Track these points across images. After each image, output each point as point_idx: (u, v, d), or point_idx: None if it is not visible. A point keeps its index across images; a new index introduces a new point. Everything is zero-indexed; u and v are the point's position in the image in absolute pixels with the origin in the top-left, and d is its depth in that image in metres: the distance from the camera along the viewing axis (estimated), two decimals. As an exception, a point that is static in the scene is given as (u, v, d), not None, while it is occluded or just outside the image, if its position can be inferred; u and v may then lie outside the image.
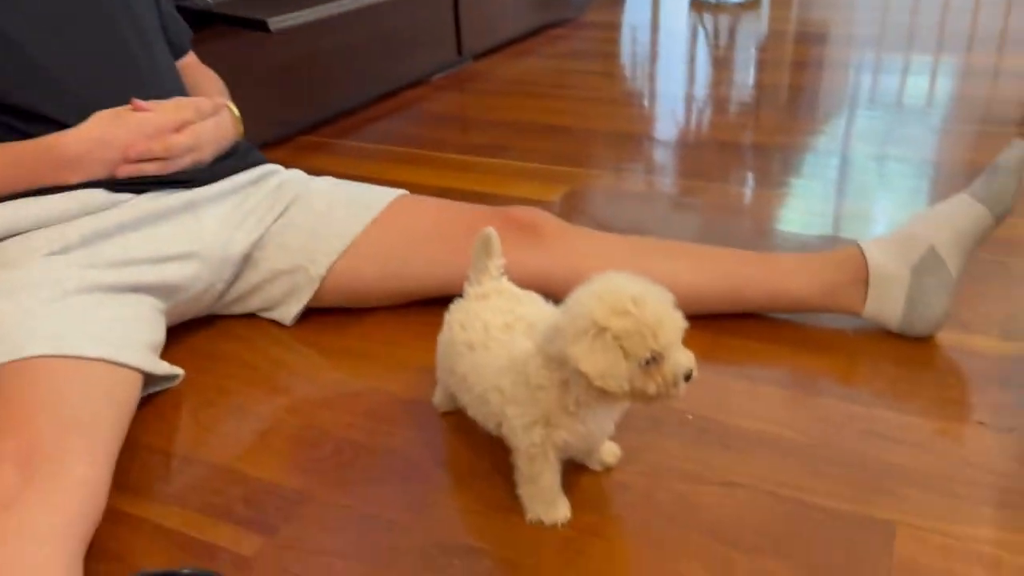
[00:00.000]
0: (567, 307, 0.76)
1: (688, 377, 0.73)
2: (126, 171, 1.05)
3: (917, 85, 2.27)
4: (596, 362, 0.72)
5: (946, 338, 1.11)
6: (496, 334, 0.85)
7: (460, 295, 0.93)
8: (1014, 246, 1.34)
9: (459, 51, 2.55)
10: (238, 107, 1.22)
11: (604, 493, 0.88)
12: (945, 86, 2.25)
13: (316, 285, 1.17)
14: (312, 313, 1.22)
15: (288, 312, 1.20)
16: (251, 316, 1.24)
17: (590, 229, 1.22)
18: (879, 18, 3.06)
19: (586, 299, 0.74)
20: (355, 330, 1.20)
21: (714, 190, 1.65)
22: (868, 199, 1.57)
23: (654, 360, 0.72)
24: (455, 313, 0.91)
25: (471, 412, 0.88)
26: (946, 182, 1.63)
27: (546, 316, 0.85)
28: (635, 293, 0.72)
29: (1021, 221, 1.42)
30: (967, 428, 0.95)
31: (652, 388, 0.73)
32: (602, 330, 0.72)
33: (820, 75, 2.41)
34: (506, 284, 0.93)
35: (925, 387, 1.02)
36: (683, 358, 0.73)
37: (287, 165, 1.30)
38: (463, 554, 0.81)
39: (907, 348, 1.10)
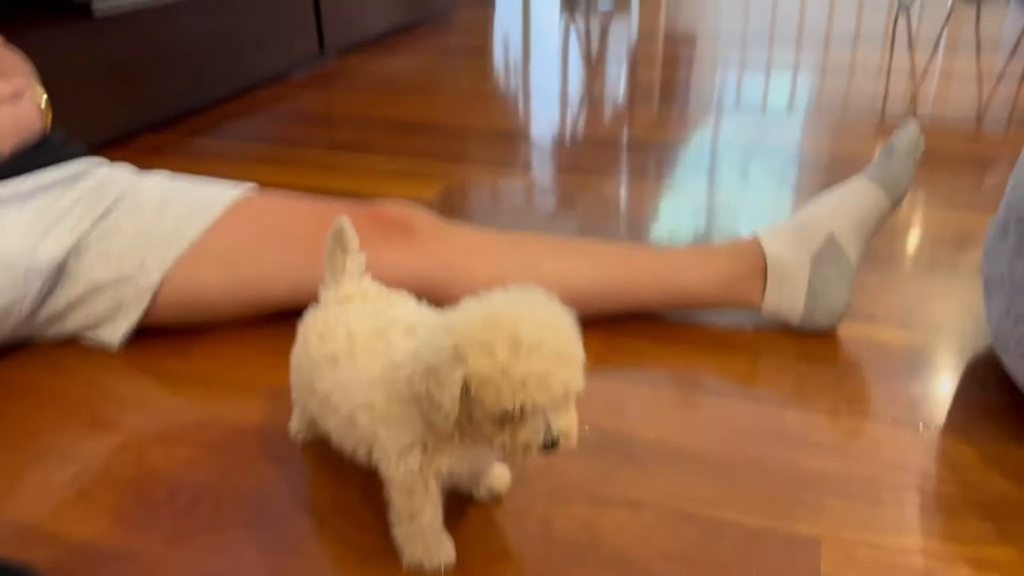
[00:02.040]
0: (447, 315, 0.63)
1: (553, 446, 0.61)
2: None
3: (780, 81, 2.28)
4: (431, 387, 0.60)
5: (848, 330, 1.05)
6: (363, 342, 0.71)
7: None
8: (903, 233, 1.31)
9: (321, 47, 2.38)
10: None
11: (495, 526, 0.75)
12: (806, 80, 2.27)
13: (148, 298, 1.00)
14: (146, 333, 1.04)
15: (115, 331, 1.02)
16: (70, 341, 1.05)
17: (467, 226, 1.09)
18: (742, 18, 3.09)
19: (468, 314, 0.61)
20: (197, 350, 1.03)
21: (592, 186, 1.56)
22: (742, 192, 1.53)
23: (510, 419, 0.60)
24: (311, 322, 0.77)
25: (336, 439, 0.74)
26: (812, 171, 1.61)
27: (427, 319, 0.72)
28: (521, 335, 0.58)
29: (905, 207, 1.40)
30: (881, 427, 0.88)
31: (497, 444, 0.61)
32: (458, 360, 0.59)
33: (690, 72, 2.39)
34: (370, 284, 0.79)
35: (833, 384, 0.95)
36: (549, 425, 0.60)
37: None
38: (327, 615, 0.66)
39: (809, 343, 1.03)
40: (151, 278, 0.99)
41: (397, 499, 0.68)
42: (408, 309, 0.76)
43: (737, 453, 0.84)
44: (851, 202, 1.03)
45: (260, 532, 0.75)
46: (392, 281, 0.81)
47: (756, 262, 1.03)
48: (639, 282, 1.05)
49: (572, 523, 0.75)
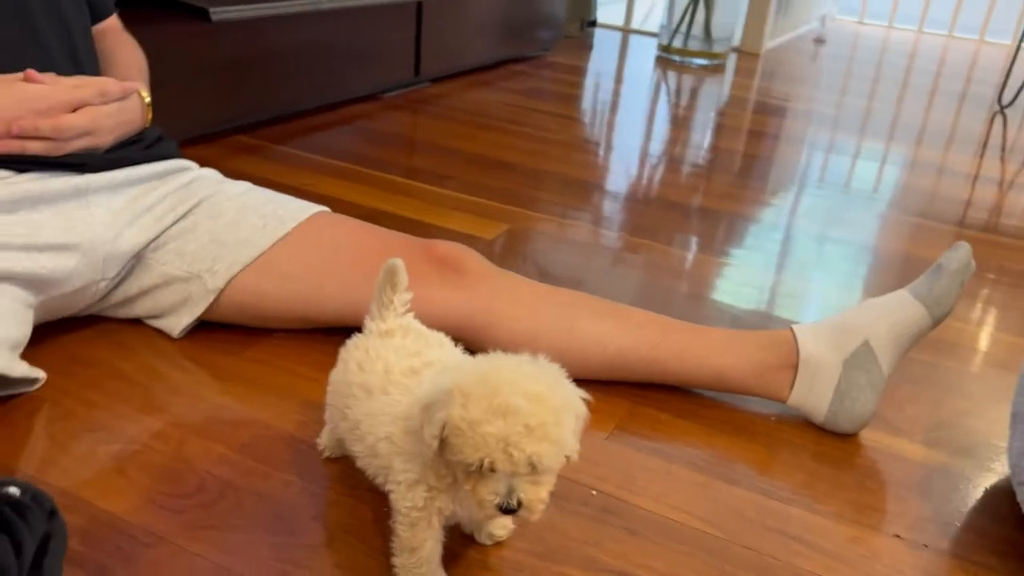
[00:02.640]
0: (465, 360, 0.69)
1: (511, 511, 0.65)
2: (6, 147, 0.94)
3: (866, 170, 2.28)
4: (423, 421, 0.67)
5: (870, 437, 1.06)
6: (398, 378, 0.77)
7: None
8: (947, 349, 1.31)
9: (416, 71, 2.48)
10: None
11: (490, 571, 0.79)
12: (892, 175, 2.26)
13: (211, 298, 1.07)
14: (204, 327, 1.12)
15: (177, 323, 1.09)
16: (136, 322, 1.13)
17: (517, 275, 1.14)
18: (836, 99, 3.08)
19: (476, 365, 0.68)
20: (249, 352, 1.10)
21: (655, 249, 1.59)
22: (805, 278, 1.54)
23: (477, 472, 0.65)
24: (353, 351, 0.83)
25: (360, 463, 0.79)
26: (882, 270, 1.61)
27: (454, 361, 0.77)
28: (500, 398, 0.63)
29: (956, 323, 1.39)
30: (882, 540, 0.89)
31: (466, 493, 0.67)
32: (444, 404, 0.65)
33: (775, 147, 2.40)
34: (412, 322, 0.85)
35: (844, 488, 0.96)
36: (512, 490, 0.64)
37: (213, 165, 1.20)
38: (319, 627, 0.71)
39: (829, 443, 1.04)
40: (217, 281, 1.06)
41: (401, 530, 0.73)
42: (445, 352, 0.81)
43: (735, 541, 0.86)
44: (892, 313, 1.04)
45: (274, 538, 0.80)
46: (437, 315, 0.86)
47: (789, 356, 1.05)
48: (671, 357, 1.07)
49: (562, 582, 0.79)
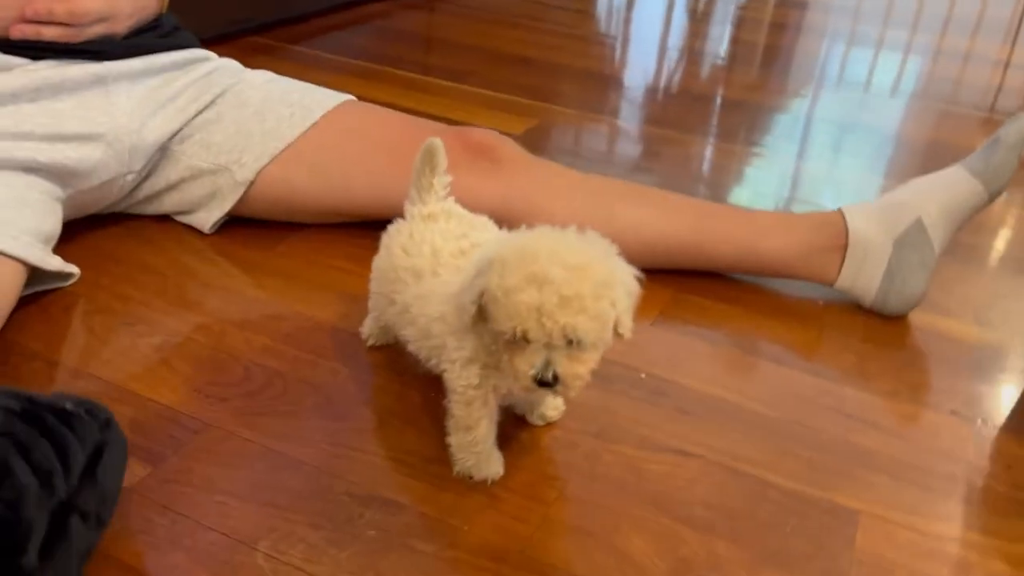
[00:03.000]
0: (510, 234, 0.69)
1: (548, 385, 0.63)
2: (20, 31, 0.90)
3: (890, 60, 2.20)
4: (463, 288, 0.66)
5: (919, 319, 1.04)
6: (447, 259, 0.74)
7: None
8: (997, 228, 1.27)
9: (429, -32, 2.38)
10: None
11: (543, 451, 0.78)
12: (917, 64, 2.18)
13: (241, 191, 1.04)
14: (234, 223, 1.09)
15: (208, 218, 1.06)
16: (166, 219, 1.10)
17: (553, 163, 1.10)
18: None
19: (517, 238, 0.66)
20: (281, 246, 1.08)
21: (683, 141, 1.55)
22: (836, 165, 1.50)
23: (513, 343, 0.63)
24: (396, 236, 0.80)
25: (412, 347, 0.77)
26: (907, 157, 1.57)
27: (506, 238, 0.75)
28: (537, 267, 0.61)
29: (1009, 201, 1.36)
30: (940, 417, 0.87)
31: (504, 365, 0.65)
32: (484, 272, 0.64)
33: (797, 38, 2.32)
34: (454, 206, 0.82)
35: (896, 368, 0.95)
36: (549, 363, 0.62)
37: (224, 57, 1.15)
38: (377, 506, 0.70)
39: (878, 325, 1.02)
40: (246, 173, 1.03)
41: (456, 409, 0.72)
42: (491, 234, 0.78)
43: (790, 420, 0.85)
44: (945, 189, 1.01)
45: (324, 423, 0.79)
46: (471, 204, 0.83)
47: (837, 237, 1.02)
48: (714, 241, 1.05)
49: (617, 460, 0.78)
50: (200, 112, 1.04)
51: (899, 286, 1.00)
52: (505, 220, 1.00)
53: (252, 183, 1.03)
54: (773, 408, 0.86)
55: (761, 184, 1.40)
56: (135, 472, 0.72)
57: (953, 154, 1.54)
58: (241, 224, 1.09)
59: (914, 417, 0.87)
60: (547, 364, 0.63)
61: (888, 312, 1.02)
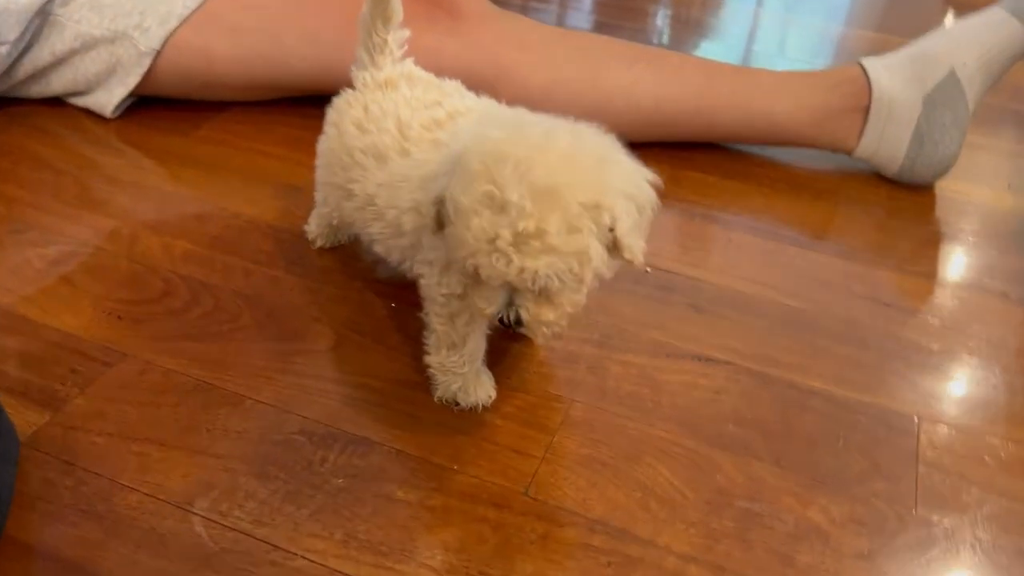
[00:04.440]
0: (491, 113, 0.56)
1: (510, 326, 0.50)
2: None
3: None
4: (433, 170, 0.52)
5: (947, 187, 0.91)
6: (419, 134, 0.58)
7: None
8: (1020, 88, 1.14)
9: None
10: None
11: (541, 367, 0.65)
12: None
13: (147, 63, 0.85)
14: (143, 104, 0.91)
15: (109, 99, 0.88)
16: (59, 103, 0.91)
17: (524, 17, 0.93)
18: None
19: (494, 130, 0.49)
20: (201, 130, 0.90)
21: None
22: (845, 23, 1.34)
23: (473, 274, 0.49)
24: (346, 110, 0.64)
25: (380, 248, 0.62)
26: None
27: (491, 109, 0.59)
28: (506, 191, 0.45)
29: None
30: (988, 299, 0.76)
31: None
32: (447, 171, 0.49)
33: None
34: (415, 69, 0.66)
35: (930, 245, 0.83)
36: (513, 303, 0.49)
37: None
38: (341, 447, 0.57)
39: (904, 196, 0.89)
40: (151, 41, 0.84)
41: (437, 323, 0.57)
42: (469, 101, 0.62)
43: (823, 313, 0.72)
44: (981, 35, 0.86)
45: (267, 346, 0.64)
46: (429, 70, 0.67)
47: (858, 96, 0.88)
48: (718, 105, 0.90)
49: (628, 372, 0.65)
50: (86, -36, 0.84)
51: (930, 150, 0.87)
52: (470, 88, 0.84)
53: (159, 53, 0.85)
54: (799, 299, 0.74)
55: (767, 40, 1.24)
56: (29, 420, 0.57)
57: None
58: (151, 105, 0.91)
59: (959, 301, 0.75)
60: (509, 304, 0.49)
61: (915, 181, 0.90)
